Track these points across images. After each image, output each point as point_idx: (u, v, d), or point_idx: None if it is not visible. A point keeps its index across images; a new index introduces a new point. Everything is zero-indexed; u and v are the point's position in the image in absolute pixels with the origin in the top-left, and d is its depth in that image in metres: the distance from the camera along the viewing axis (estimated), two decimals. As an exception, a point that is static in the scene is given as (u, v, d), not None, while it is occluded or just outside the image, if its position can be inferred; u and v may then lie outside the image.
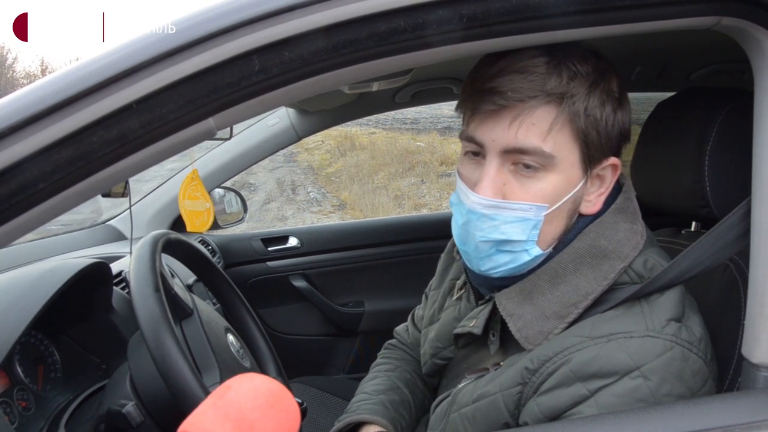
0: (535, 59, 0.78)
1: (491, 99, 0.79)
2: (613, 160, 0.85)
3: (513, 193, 0.81)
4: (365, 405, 1.08)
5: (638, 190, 1.12)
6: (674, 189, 1.02)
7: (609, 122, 0.82)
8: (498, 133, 0.80)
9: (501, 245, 0.83)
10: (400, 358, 1.24)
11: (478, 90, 0.81)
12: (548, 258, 0.85)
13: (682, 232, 1.11)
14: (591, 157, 0.83)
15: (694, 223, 1.10)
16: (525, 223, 0.81)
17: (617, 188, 0.89)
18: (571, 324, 0.82)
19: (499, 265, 0.84)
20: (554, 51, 0.78)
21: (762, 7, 0.71)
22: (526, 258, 0.84)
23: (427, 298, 1.19)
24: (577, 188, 0.83)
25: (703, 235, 0.83)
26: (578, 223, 0.86)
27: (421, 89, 1.83)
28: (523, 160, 0.80)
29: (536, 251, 0.83)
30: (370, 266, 2.33)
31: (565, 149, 0.80)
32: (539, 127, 0.79)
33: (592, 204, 0.86)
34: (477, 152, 0.84)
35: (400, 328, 1.32)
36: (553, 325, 0.82)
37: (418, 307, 1.27)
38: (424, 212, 7.10)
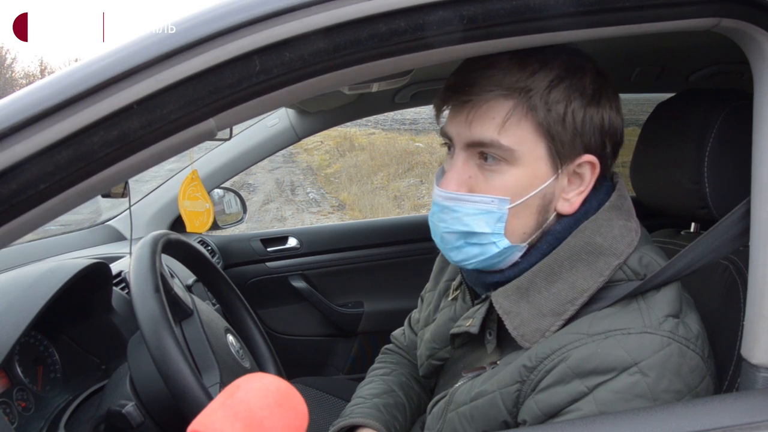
0: (500, 56, 0.80)
1: (454, 95, 0.84)
2: (588, 157, 0.84)
3: (478, 186, 0.84)
4: (359, 409, 1.09)
5: (638, 191, 1.12)
6: (673, 190, 1.03)
7: (577, 118, 0.81)
8: (459, 127, 0.84)
9: (468, 237, 0.85)
10: (397, 362, 1.25)
11: (446, 88, 0.86)
12: (544, 256, 0.85)
13: (681, 233, 1.12)
14: (560, 153, 0.82)
15: (693, 224, 1.11)
16: (488, 215, 0.83)
17: (610, 186, 0.89)
18: (568, 321, 0.82)
19: (469, 257, 0.86)
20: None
21: (761, 8, 0.71)
22: (494, 250, 0.84)
23: (422, 300, 1.20)
24: (546, 184, 0.83)
25: (702, 234, 0.83)
26: (559, 223, 0.85)
27: (421, 90, 1.83)
28: (485, 153, 0.83)
29: (505, 243, 0.84)
30: (369, 267, 2.33)
31: (527, 143, 0.81)
32: (495, 120, 0.80)
33: (570, 203, 0.85)
34: (450, 146, 0.88)
35: (396, 332, 1.33)
36: (550, 323, 0.82)
37: (414, 310, 1.28)
38: (424, 213, 7.10)
